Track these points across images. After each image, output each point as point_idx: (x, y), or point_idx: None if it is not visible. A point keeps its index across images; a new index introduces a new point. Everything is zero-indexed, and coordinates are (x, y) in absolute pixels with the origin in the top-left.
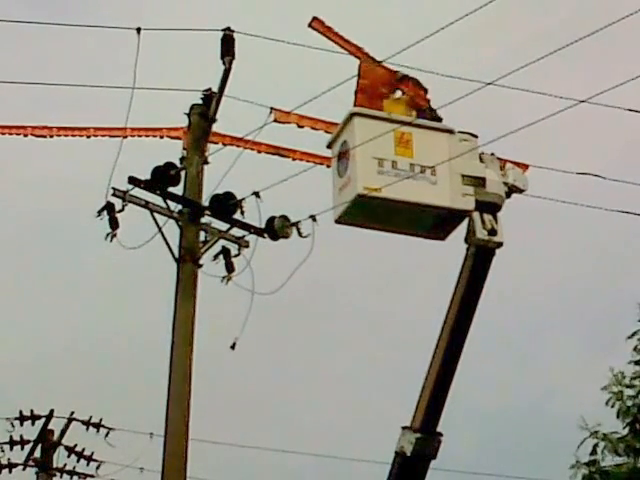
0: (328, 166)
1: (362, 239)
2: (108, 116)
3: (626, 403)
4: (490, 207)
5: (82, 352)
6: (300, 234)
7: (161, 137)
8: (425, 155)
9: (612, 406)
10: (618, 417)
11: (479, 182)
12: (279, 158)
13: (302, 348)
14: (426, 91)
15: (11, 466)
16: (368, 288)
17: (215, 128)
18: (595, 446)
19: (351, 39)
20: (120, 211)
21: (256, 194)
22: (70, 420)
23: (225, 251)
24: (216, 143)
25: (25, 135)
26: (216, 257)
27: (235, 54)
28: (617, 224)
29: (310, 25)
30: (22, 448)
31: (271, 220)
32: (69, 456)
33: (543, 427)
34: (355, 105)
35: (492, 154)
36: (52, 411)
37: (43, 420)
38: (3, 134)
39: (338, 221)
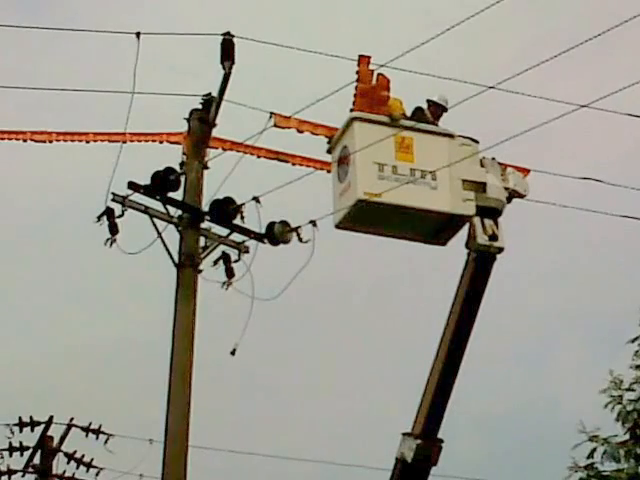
0: (328, 171)
1: (363, 243)
2: (107, 121)
3: (626, 407)
4: (491, 212)
5: (81, 358)
6: (300, 239)
7: (161, 142)
8: (426, 160)
9: (612, 409)
10: (617, 420)
11: (480, 187)
12: (279, 163)
13: (302, 354)
14: None
15: (10, 472)
16: (369, 293)
17: (215, 133)
18: (593, 450)
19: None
20: (120, 216)
21: (256, 199)
22: (69, 426)
23: (225, 256)
24: (216, 148)
25: (24, 140)
26: (216, 262)
27: (235, 59)
28: (618, 228)
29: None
30: (21, 454)
31: (271, 225)
32: (68, 462)
33: (545, 433)
34: (354, 109)
35: (493, 159)
36: (51, 417)
37: (42, 426)
38: (2, 139)
39: (338, 226)
